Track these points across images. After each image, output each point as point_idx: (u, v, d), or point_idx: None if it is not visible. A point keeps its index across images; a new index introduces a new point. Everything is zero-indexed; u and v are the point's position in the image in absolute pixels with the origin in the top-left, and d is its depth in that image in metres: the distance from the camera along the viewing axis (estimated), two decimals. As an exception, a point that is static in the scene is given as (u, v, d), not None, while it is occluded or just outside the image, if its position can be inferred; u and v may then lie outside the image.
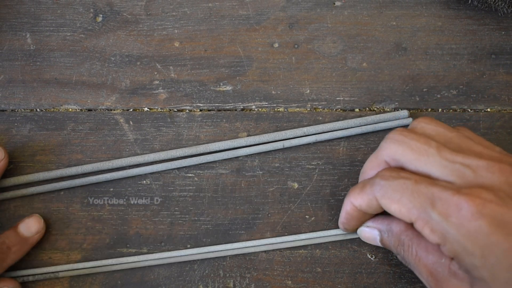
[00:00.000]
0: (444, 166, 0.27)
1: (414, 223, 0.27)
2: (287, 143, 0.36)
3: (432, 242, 0.27)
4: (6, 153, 0.34)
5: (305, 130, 0.36)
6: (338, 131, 0.36)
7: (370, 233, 0.32)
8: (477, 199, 0.25)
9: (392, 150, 0.29)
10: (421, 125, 0.30)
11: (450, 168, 0.27)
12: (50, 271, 0.35)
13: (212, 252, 0.35)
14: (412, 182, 0.27)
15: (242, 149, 0.36)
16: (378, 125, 0.36)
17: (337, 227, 0.35)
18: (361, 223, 0.32)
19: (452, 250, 0.26)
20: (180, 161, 0.36)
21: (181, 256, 0.35)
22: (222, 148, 0.36)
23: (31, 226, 0.34)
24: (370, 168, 0.31)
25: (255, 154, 0.37)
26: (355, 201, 0.30)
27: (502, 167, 0.26)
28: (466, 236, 0.25)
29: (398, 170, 0.29)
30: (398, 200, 0.27)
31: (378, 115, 0.36)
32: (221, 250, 0.35)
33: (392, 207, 0.28)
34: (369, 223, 0.32)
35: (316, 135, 0.36)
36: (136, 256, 0.35)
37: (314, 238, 0.35)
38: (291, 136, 0.36)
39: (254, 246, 0.35)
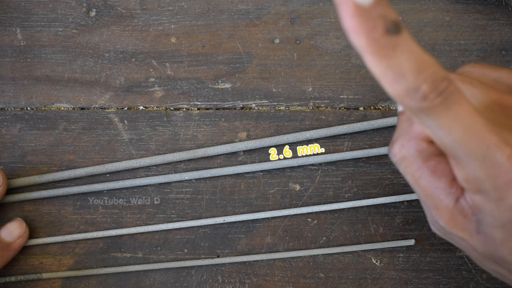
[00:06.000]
0: (491, 111, 0.23)
1: (448, 157, 0.23)
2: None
3: (461, 185, 0.23)
4: (5, 179, 0.33)
5: (308, 135, 0.35)
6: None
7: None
8: None
9: None
10: (467, 70, 0.26)
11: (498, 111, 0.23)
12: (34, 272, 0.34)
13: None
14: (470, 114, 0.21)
15: (241, 149, 0.35)
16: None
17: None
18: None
19: (480, 204, 0.22)
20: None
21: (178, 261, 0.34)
22: (220, 152, 0.35)
23: (13, 231, 0.33)
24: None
25: (255, 154, 0.35)
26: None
27: None
28: (502, 202, 0.21)
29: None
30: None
31: (385, 119, 0.34)
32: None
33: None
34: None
35: (320, 137, 0.35)
36: (130, 262, 0.34)
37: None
38: (293, 141, 0.35)
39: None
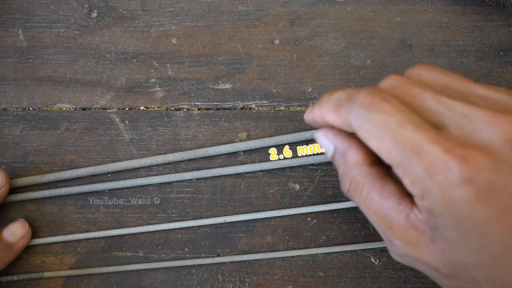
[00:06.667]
0: (440, 114, 0.23)
1: (392, 167, 0.23)
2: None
3: (411, 192, 0.23)
4: (7, 179, 0.33)
5: (308, 135, 0.35)
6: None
7: (324, 144, 0.27)
8: (470, 164, 0.21)
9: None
10: (416, 73, 0.26)
11: (447, 116, 0.23)
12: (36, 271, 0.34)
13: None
14: (397, 122, 0.23)
15: (242, 149, 0.35)
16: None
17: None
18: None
19: (430, 207, 0.23)
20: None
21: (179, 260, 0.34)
22: (221, 152, 0.35)
23: (15, 231, 0.33)
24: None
25: (255, 154, 0.36)
26: (328, 116, 0.26)
27: (507, 119, 0.22)
28: (448, 199, 0.22)
29: (381, 92, 0.24)
30: (378, 139, 0.23)
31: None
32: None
33: (370, 143, 0.24)
34: (329, 133, 0.27)
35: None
36: (131, 261, 0.34)
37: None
38: (293, 141, 0.35)
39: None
